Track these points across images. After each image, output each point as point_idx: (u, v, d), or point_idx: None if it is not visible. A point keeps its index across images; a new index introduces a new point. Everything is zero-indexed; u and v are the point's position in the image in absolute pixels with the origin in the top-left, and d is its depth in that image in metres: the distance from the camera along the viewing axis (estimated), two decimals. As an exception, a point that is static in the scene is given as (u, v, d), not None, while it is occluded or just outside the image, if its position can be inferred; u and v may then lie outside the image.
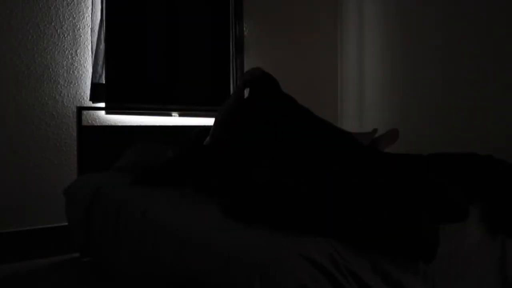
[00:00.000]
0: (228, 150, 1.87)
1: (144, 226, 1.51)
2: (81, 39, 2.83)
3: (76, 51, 2.82)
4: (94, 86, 2.78)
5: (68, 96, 2.79)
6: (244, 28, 3.53)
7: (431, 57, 3.20)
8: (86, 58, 2.84)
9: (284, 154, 1.70)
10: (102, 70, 2.81)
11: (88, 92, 2.83)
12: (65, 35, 2.78)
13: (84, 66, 2.84)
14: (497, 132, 2.75)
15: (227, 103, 2.21)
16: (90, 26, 2.82)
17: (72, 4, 2.80)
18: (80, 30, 2.83)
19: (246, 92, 2.22)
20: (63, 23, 2.78)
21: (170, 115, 3.15)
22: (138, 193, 1.83)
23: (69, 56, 2.80)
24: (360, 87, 3.86)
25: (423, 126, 3.25)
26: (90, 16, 2.83)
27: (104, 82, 2.82)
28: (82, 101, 2.83)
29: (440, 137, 3.11)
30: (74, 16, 2.81)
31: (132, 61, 2.94)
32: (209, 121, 3.33)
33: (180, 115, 3.19)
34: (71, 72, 2.80)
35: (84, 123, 2.79)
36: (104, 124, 2.90)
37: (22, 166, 2.64)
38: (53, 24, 2.75)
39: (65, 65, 2.78)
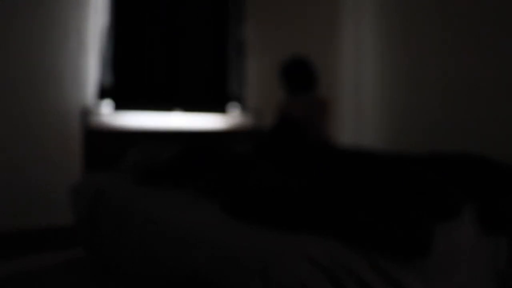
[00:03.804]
0: (228, 152, 1.89)
1: (145, 226, 1.52)
2: (87, 41, 2.84)
3: (81, 52, 2.82)
4: (99, 87, 2.80)
5: (73, 97, 2.79)
6: (245, 30, 3.53)
7: (430, 56, 3.20)
8: (91, 60, 2.85)
9: (285, 155, 1.72)
10: (107, 71, 2.83)
11: (93, 93, 2.84)
12: (71, 37, 2.78)
13: (90, 68, 2.85)
14: (497, 132, 2.75)
15: None
16: (95, 28, 2.83)
17: (78, 6, 2.80)
18: (86, 32, 2.84)
19: None
20: (69, 25, 2.78)
21: (173, 116, 3.16)
22: (141, 193, 1.84)
23: (75, 58, 2.80)
24: (360, 87, 3.87)
25: (422, 125, 3.24)
26: (96, 18, 2.83)
27: (109, 84, 2.84)
28: (87, 102, 2.84)
29: (440, 137, 3.11)
30: (80, 18, 2.81)
31: (136, 63, 2.97)
32: (211, 122, 3.33)
33: (183, 116, 3.20)
34: (76, 73, 2.80)
35: (89, 123, 2.79)
36: (109, 124, 2.90)
37: (25, 166, 2.64)
38: (59, 26, 2.74)
39: (70, 66, 2.78)
